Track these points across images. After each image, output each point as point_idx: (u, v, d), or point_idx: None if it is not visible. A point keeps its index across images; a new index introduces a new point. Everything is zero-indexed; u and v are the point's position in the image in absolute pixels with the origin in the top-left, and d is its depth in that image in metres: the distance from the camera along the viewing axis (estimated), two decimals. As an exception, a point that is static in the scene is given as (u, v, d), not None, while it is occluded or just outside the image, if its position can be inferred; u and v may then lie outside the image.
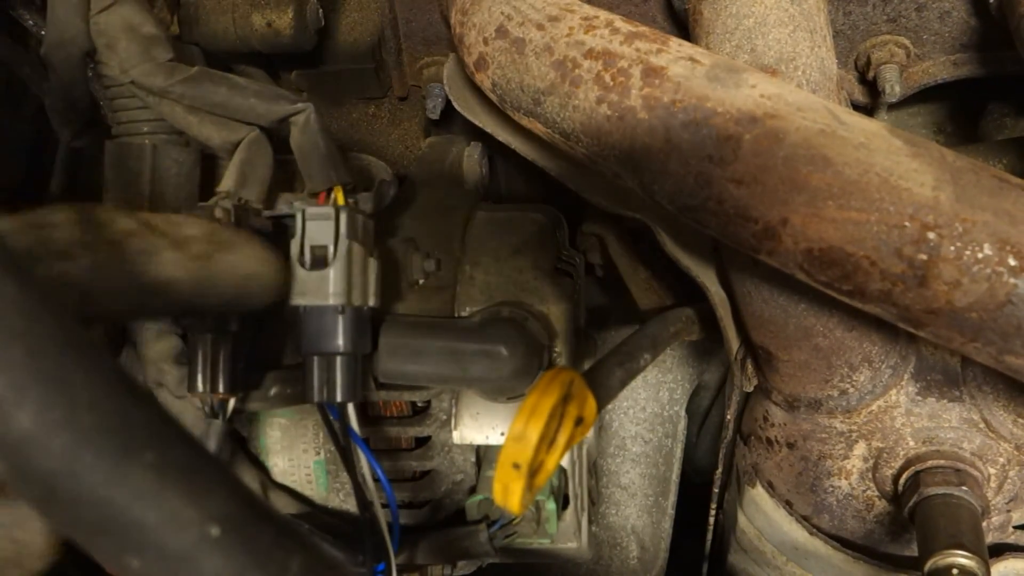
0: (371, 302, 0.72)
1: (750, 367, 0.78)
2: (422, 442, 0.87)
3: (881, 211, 0.50)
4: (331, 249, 0.69)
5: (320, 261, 0.69)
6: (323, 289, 0.68)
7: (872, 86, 0.82)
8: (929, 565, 0.61)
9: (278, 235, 0.77)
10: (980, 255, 0.49)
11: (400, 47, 0.92)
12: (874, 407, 0.72)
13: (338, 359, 0.70)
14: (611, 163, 0.61)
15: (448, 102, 0.84)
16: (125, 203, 0.73)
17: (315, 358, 0.71)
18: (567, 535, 0.87)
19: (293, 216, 0.72)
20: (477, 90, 0.74)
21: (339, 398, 0.71)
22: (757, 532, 0.87)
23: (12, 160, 0.91)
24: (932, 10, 0.77)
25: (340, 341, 0.70)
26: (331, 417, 0.74)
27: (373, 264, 0.72)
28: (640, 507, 1.08)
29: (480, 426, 0.82)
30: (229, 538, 0.28)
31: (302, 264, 0.69)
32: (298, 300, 0.69)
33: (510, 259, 0.83)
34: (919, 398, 0.71)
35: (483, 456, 0.86)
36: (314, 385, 0.71)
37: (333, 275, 0.68)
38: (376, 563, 0.74)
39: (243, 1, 0.86)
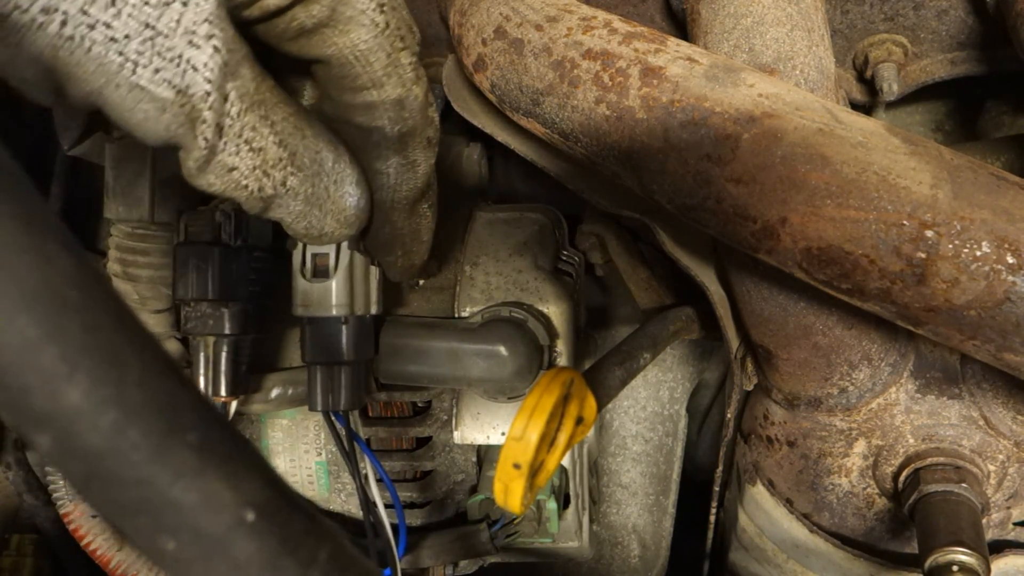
0: (373, 310, 0.72)
1: (750, 365, 0.78)
2: (423, 442, 0.87)
3: (879, 209, 0.50)
4: (332, 259, 0.69)
5: (322, 271, 0.69)
6: (326, 301, 0.68)
7: (870, 85, 0.82)
8: (929, 562, 0.61)
9: (279, 244, 0.77)
10: (978, 253, 0.49)
11: (399, 48, 0.92)
12: (874, 405, 0.72)
13: (342, 368, 0.70)
14: (610, 163, 0.61)
15: (447, 103, 0.84)
16: (125, 207, 0.73)
17: (319, 368, 0.71)
18: (568, 534, 0.87)
19: (294, 222, 0.72)
20: (476, 91, 0.74)
21: (343, 406, 0.71)
22: (758, 530, 0.87)
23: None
24: (929, 8, 0.77)
25: (344, 351, 0.69)
26: (335, 422, 0.74)
27: (375, 273, 0.72)
28: (641, 506, 1.08)
29: (481, 426, 0.82)
30: (263, 524, 0.28)
31: (304, 275, 0.69)
32: (301, 312, 0.69)
33: (510, 259, 0.83)
34: (918, 396, 0.71)
35: (484, 456, 0.86)
36: (318, 394, 0.71)
37: (335, 286, 0.68)
38: (381, 567, 0.74)
39: None
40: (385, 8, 0.49)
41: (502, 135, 0.75)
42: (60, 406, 0.24)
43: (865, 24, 0.79)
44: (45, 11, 0.36)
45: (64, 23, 0.37)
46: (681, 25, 0.76)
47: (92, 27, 0.37)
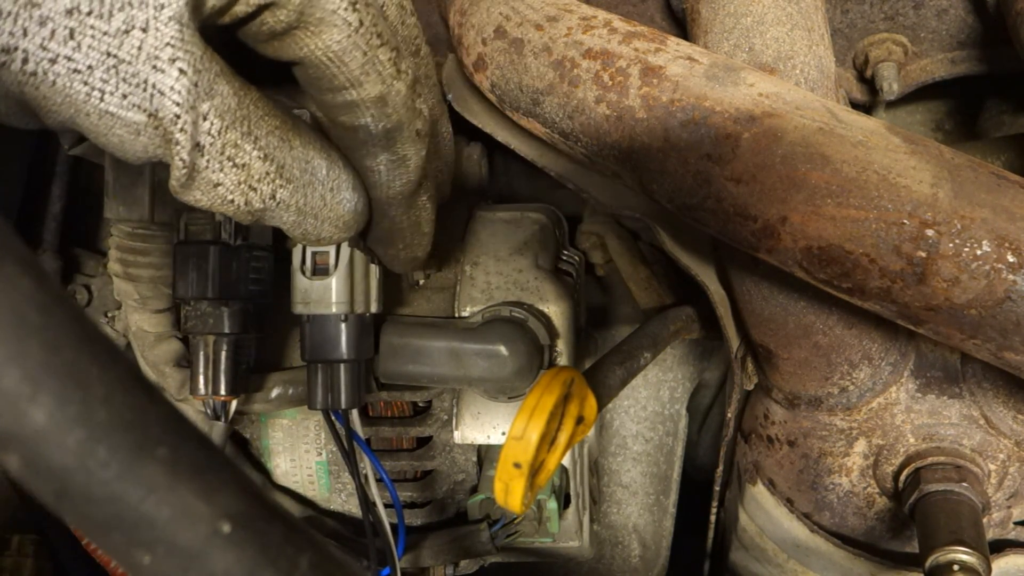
0: (373, 308, 0.72)
1: (750, 365, 0.78)
2: (423, 442, 0.87)
3: (880, 208, 0.50)
4: (332, 257, 0.69)
5: (322, 270, 0.69)
6: (326, 298, 0.68)
7: (870, 84, 0.82)
8: (930, 561, 0.61)
9: (279, 243, 0.77)
10: (979, 252, 0.49)
11: (399, 48, 0.92)
12: (874, 404, 0.72)
13: (341, 367, 0.70)
14: (610, 162, 0.61)
15: (447, 103, 0.84)
16: (125, 207, 0.73)
17: (319, 366, 0.71)
18: (569, 534, 0.87)
19: (294, 221, 0.72)
20: (476, 91, 0.74)
21: (343, 405, 0.71)
22: (758, 530, 0.87)
23: (13, 165, 0.91)
24: (929, 8, 0.77)
25: (343, 349, 0.70)
26: (335, 421, 0.74)
27: (375, 271, 0.72)
28: (641, 505, 1.08)
29: (481, 425, 0.82)
30: (240, 535, 0.28)
31: (304, 273, 0.69)
32: (301, 309, 0.69)
33: (510, 259, 0.83)
34: (919, 395, 0.71)
35: (484, 456, 0.86)
36: (318, 393, 0.71)
37: (335, 284, 0.68)
38: (380, 566, 0.74)
39: None
40: (358, 5, 0.47)
41: (502, 135, 0.75)
42: (25, 427, 0.24)
43: (865, 23, 0.79)
44: (6, 51, 0.37)
45: (26, 60, 0.38)
46: (681, 25, 0.76)
47: (54, 61, 0.38)
